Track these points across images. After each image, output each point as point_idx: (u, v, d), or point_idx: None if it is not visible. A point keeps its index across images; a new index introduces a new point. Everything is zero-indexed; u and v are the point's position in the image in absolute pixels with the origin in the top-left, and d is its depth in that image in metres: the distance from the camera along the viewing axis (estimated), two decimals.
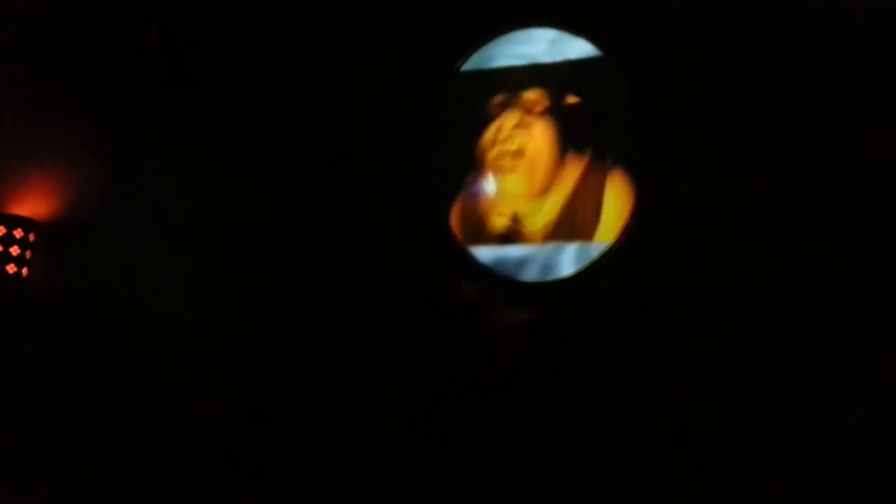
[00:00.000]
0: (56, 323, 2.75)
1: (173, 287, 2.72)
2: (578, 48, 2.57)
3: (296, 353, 2.59)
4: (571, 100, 2.56)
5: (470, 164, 2.63)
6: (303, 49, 2.72)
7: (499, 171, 2.59)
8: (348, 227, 2.62)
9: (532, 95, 2.59)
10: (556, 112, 2.56)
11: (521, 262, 2.55)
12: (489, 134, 2.62)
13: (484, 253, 2.58)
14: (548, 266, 2.52)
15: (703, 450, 2.24)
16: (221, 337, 2.64)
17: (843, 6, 2.28)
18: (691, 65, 2.40)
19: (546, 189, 2.55)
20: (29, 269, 2.75)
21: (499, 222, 2.59)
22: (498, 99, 2.62)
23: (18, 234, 2.73)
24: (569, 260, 2.50)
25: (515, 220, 2.58)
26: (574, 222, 2.52)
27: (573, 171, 2.54)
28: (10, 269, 2.71)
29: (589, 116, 2.54)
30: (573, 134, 2.54)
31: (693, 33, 2.39)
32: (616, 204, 2.49)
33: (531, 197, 2.56)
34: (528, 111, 2.59)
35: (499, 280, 2.55)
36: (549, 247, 2.53)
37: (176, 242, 2.74)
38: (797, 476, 2.15)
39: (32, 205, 2.80)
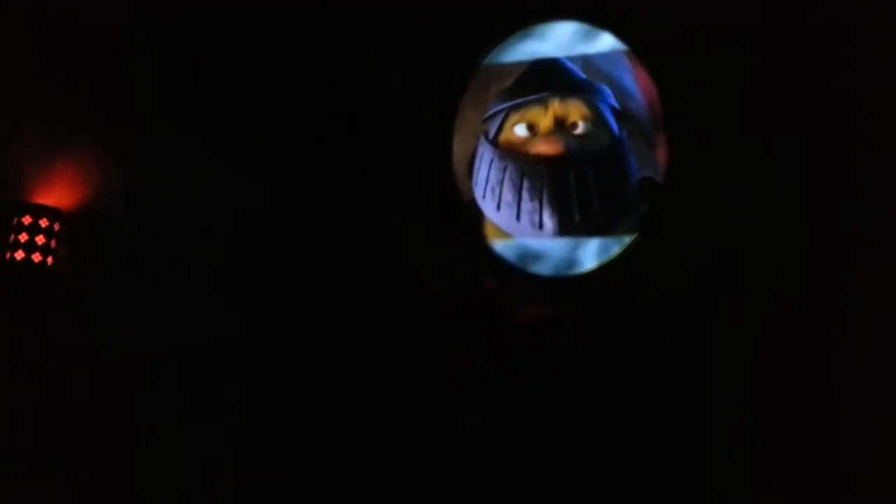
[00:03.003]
0: (79, 312, 2.79)
1: (195, 280, 2.74)
2: (602, 42, 2.54)
3: (310, 349, 2.60)
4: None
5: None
6: (320, 44, 2.73)
7: None
8: (364, 221, 2.63)
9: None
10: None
11: (540, 257, 2.53)
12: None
13: (502, 247, 2.57)
14: (567, 261, 2.50)
15: (724, 445, 2.22)
16: (239, 331, 2.66)
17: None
18: (715, 58, 2.37)
19: None
20: (54, 259, 2.79)
21: None
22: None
23: (44, 223, 2.77)
24: (589, 255, 2.48)
25: None
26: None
27: None
28: (36, 258, 2.75)
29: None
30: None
31: (716, 24, 2.36)
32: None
33: None
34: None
35: (517, 274, 2.53)
36: (569, 241, 2.50)
37: (199, 236, 2.77)
38: (815, 471, 2.13)
39: (58, 194, 2.84)
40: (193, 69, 2.84)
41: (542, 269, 2.50)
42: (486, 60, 2.63)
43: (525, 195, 2.50)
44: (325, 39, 2.73)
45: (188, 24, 2.86)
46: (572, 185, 2.46)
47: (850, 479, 2.11)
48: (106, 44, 2.91)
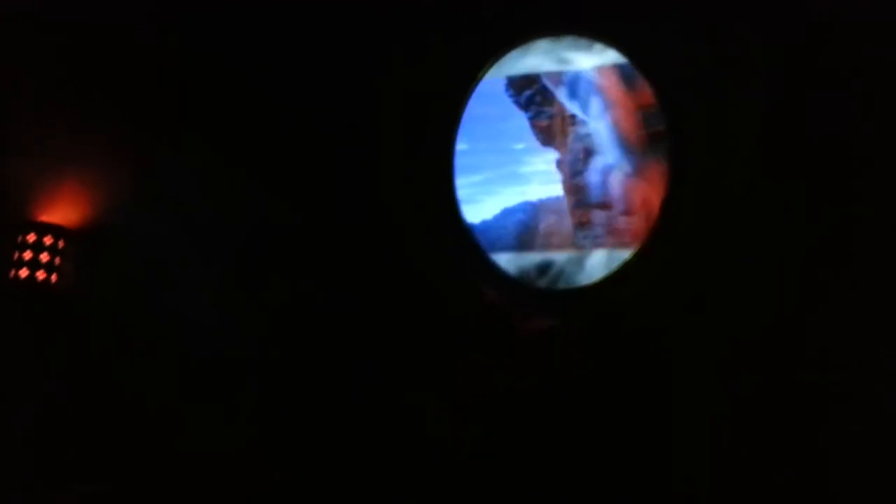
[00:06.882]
0: (84, 328, 2.79)
1: (199, 292, 2.75)
2: (604, 56, 2.57)
3: (319, 359, 2.61)
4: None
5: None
6: (327, 57, 2.75)
7: None
8: (373, 234, 2.65)
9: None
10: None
11: (544, 270, 2.55)
12: None
13: (507, 260, 2.59)
14: (571, 274, 2.52)
15: (727, 457, 2.23)
16: (247, 341, 2.67)
17: (870, 18, 2.26)
18: (720, 73, 2.39)
19: None
20: (58, 276, 2.79)
21: None
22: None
23: (48, 240, 2.77)
24: (592, 268, 2.50)
25: None
26: None
27: None
28: (40, 275, 2.75)
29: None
30: None
31: (722, 41, 2.38)
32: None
33: None
34: None
35: (521, 287, 2.55)
36: (573, 255, 2.52)
37: (202, 249, 2.78)
38: (811, 477, 2.14)
39: (62, 212, 2.84)
40: (201, 82, 2.85)
41: (544, 282, 2.53)
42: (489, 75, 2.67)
43: None
44: (332, 53, 2.75)
45: (194, 36, 2.86)
46: None
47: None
48: (112, 57, 2.91)
